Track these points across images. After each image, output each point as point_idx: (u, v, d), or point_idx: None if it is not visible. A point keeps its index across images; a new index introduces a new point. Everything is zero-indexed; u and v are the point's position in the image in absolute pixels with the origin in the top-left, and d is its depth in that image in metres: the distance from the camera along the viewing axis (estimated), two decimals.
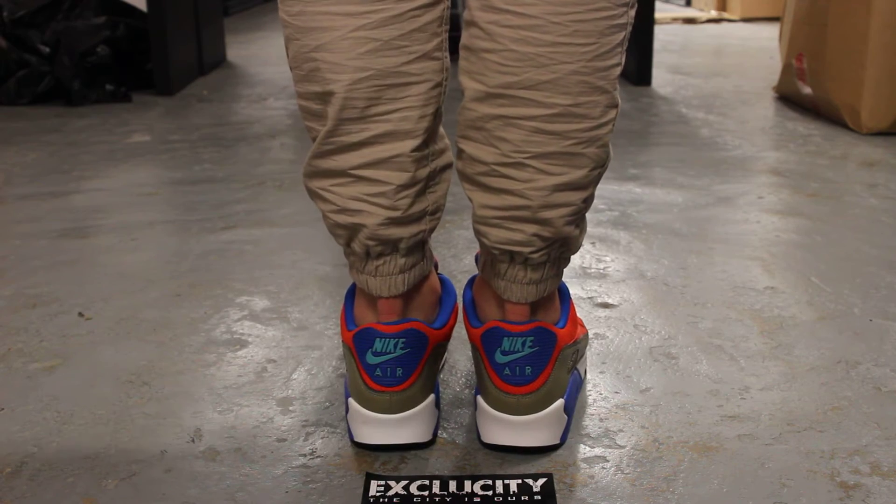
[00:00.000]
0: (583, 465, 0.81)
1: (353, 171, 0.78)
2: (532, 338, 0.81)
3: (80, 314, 1.13)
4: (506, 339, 0.81)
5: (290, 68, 0.80)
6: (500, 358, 0.81)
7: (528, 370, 0.81)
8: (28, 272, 1.28)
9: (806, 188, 1.67)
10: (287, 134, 2.15)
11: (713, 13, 4.78)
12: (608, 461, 0.82)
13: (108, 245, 1.39)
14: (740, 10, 4.63)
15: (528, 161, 0.75)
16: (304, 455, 0.83)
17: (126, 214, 1.53)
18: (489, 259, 0.83)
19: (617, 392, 0.94)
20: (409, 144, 0.78)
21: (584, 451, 0.83)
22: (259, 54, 3.46)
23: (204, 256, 1.33)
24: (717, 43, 3.77)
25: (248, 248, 1.36)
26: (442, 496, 0.77)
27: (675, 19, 4.57)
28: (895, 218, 1.49)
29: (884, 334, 1.07)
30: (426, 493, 0.77)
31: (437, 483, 0.78)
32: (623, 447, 0.84)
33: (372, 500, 0.76)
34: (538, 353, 0.81)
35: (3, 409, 0.91)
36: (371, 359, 0.81)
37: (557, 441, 0.83)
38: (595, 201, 1.58)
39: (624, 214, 1.52)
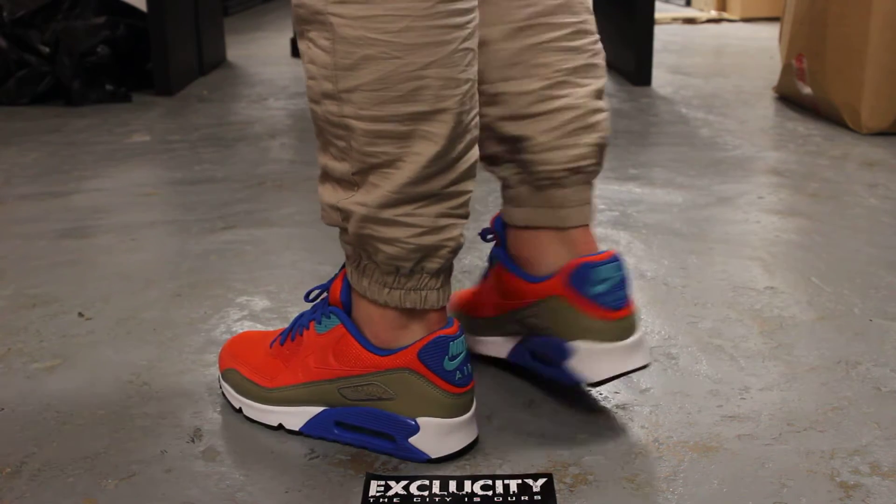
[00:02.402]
0: (583, 465, 0.81)
1: (444, 189, 0.76)
2: (617, 262, 0.87)
3: (80, 314, 1.14)
4: (601, 268, 0.85)
5: (356, 90, 0.73)
6: (598, 289, 0.85)
7: (622, 294, 0.86)
8: (28, 272, 1.28)
9: (806, 188, 1.67)
10: (287, 134, 2.15)
11: (713, 13, 4.78)
12: (608, 461, 0.82)
13: (108, 245, 1.39)
14: (740, 10, 4.63)
15: (567, 77, 0.85)
16: (304, 455, 0.83)
17: (126, 214, 1.53)
18: (543, 197, 0.88)
19: (617, 392, 0.94)
20: (477, 150, 0.79)
21: (584, 451, 0.84)
22: (259, 54, 3.46)
23: (204, 256, 1.33)
24: (717, 43, 3.77)
25: (248, 248, 1.36)
26: (442, 496, 0.77)
27: (675, 19, 4.57)
28: (895, 218, 1.49)
29: (884, 334, 1.07)
30: (426, 493, 0.77)
31: (437, 483, 0.78)
32: (623, 447, 0.84)
33: (372, 500, 0.76)
34: (624, 275, 0.87)
35: (3, 409, 0.91)
36: (449, 364, 0.81)
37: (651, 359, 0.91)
38: (595, 201, 1.58)
39: (624, 214, 1.52)
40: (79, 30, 2.46)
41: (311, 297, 0.88)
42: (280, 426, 0.87)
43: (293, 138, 2.10)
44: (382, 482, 0.78)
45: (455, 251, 0.80)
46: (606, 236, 1.41)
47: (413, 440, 0.81)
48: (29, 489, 0.78)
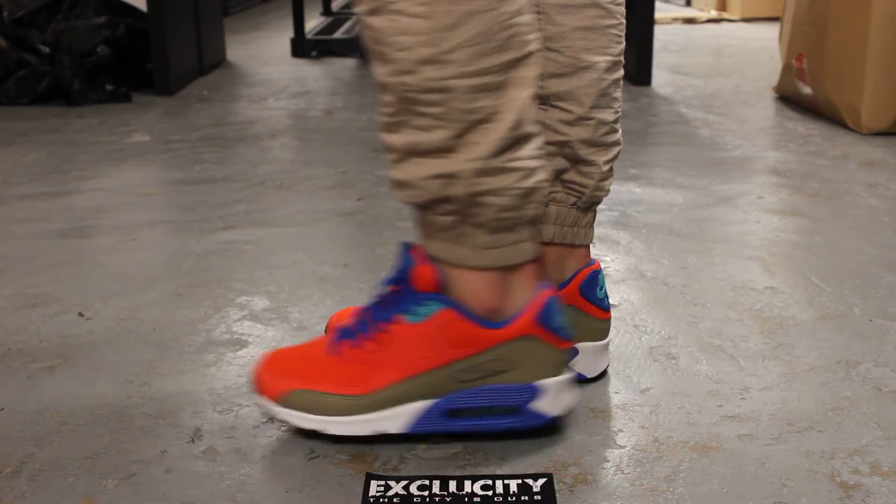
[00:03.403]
0: (583, 465, 0.81)
1: (531, 129, 0.79)
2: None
3: (80, 314, 1.14)
4: (601, 276, 0.94)
5: (458, 48, 0.74)
6: (599, 294, 0.94)
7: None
8: (28, 272, 1.28)
9: (806, 188, 1.67)
10: (287, 134, 2.15)
11: (713, 13, 4.78)
12: (608, 461, 0.82)
13: (108, 245, 1.39)
14: (740, 10, 4.63)
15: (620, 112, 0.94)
16: (304, 455, 0.83)
17: (126, 214, 1.53)
18: (576, 217, 0.93)
19: (617, 392, 0.94)
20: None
21: (584, 451, 0.84)
22: (259, 54, 3.46)
23: (204, 256, 1.33)
24: (717, 43, 3.77)
25: (248, 248, 1.36)
26: (442, 496, 0.77)
27: (675, 19, 4.57)
28: (895, 218, 1.49)
29: (884, 334, 1.07)
30: (426, 493, 0.77)
31: (437, 483, 0.78)
32: (623, 447, 0.84)
33: (372, 500, 0.76)
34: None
35: (3, 409, 0.91)
36: (559, 321, 0.84)
37: None
38: None
39: (624, 214, 1.52)
40: (79, 30, 2.46)
41: (380, 295, 0.85)
42: (377, 434, 0.83)
43: (293, 138, 2.10)
44: (382, 482, 0.78)
45: (545, 194, 0.83)
46: (606, 236, 1.41)
47: (535, 405, 0.83)
48: (29, 489, 0.78)
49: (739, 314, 1.13)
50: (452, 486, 0.78)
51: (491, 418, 0.83)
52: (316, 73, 3.03)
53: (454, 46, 0.74)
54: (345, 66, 3.19)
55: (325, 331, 1.00)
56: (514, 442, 0.85)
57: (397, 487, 0.77)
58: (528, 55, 0.77)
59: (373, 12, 0.76)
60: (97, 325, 1.11)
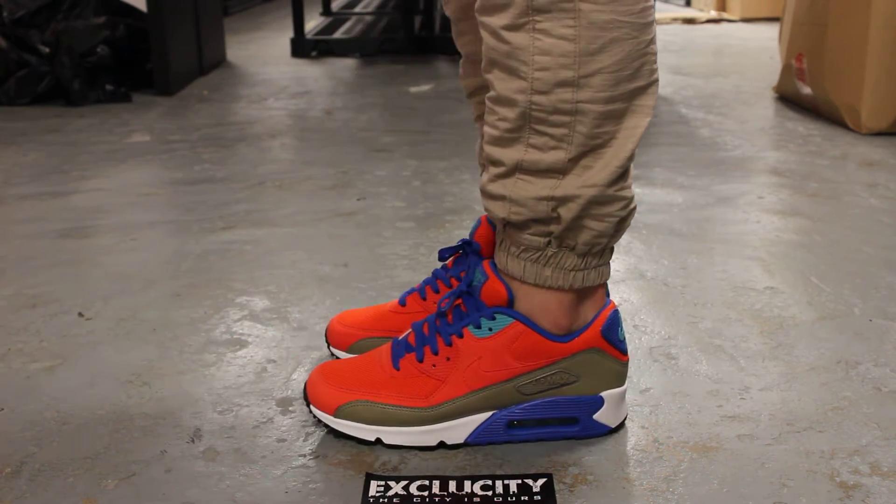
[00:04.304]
0: (583, 465, 0.81)
1: (632, 160, 0.79)
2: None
3: (80, 314, 1.14)
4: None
5: (597, 73, 0.74)
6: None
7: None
8: (28, 272, 1.28)
9: (806, 188, 1.67)
10: (287, 134, 2.15)
11: (713, 13, 4.78)
12: (608, 461, 0.82)
13: (108, 245, 1.39)
14: (740, 11, 4.63)
15: None
16: (304, 455, 0.83)
17: (126, 214, 1.53)
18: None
19: None
20: None
21: (584, 451, 0.84)
22: (259, 54, 3.46)
23: (204, 256, 1.33)
24: (717, 43, 3.77)
25: (248, 248, 1.36)
26: (442, 496, 0.77)
27: (675, 19, 4.57)
28: (895, 218, 1.49)
29: (884, 334, 1.07)
30: (426, 493, 0.77)
31: (437, 483, 0.78)
32: (623, 447, 0.84)
33: (372, 500, 0.76)
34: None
35: (3, 409, 0.91)
36: (621, 334, 0.85)
37: None
38: None
39: None
40: (79, 30, 2.46)
41: (443, 307, 0.85)
42: (441, 444, 0.83)
43: (293, 138, 2.10)
44: (382, 482, 0.78)
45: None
46: None
47: (597, 416, 0.84)
48: (29, 489, 0.78)
49: (739, 314, 1.13)
50: (452, 486, 0.78)
51: (552, 427, 0.84)
52: (316, 73, 3.03)
53: (594, 71, 0.74)
54: (345, 66, 3.19)
55: (326, 332, 1.00)
56: (514, 442, 0.85)
57: (397, 487, 0.77)
58: (653, 83, 0.77)
59: (512, 27, 0.74)
60: (97, 325, 1.11)
